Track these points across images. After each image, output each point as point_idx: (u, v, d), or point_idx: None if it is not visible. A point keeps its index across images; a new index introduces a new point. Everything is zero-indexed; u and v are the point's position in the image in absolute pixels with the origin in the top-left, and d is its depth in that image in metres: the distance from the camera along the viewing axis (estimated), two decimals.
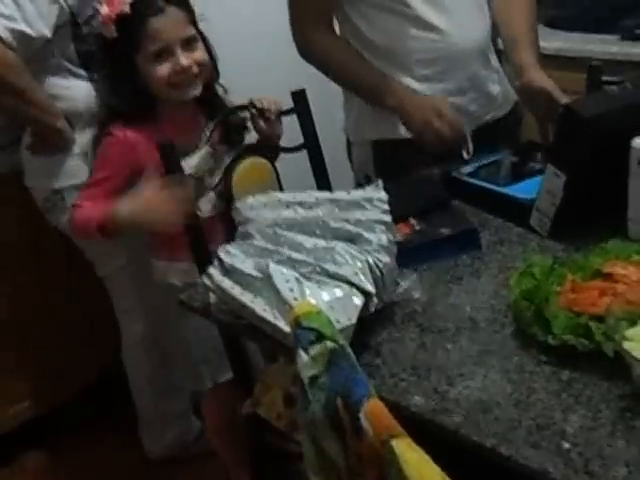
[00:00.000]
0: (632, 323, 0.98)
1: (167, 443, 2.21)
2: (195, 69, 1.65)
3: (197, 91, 1.69)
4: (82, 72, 1.88)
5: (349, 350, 0.87)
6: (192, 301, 1.33)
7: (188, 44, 1.64)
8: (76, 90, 1.88)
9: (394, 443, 0.76)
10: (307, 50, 1.69)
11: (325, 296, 1.07)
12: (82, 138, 1.89)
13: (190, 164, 1.62)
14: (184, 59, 1.62)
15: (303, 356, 0.86)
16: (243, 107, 1.75)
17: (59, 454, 2.30)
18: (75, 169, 1.91)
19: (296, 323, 0.88)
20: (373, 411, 0.78)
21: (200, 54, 1.66)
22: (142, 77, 1.63)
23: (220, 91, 1.80)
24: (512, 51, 1.67)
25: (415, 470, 0.75)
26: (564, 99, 1.50)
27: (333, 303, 1.06)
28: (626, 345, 0.94)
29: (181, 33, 1.62)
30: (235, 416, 1.69)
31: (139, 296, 2.05)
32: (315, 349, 0.85)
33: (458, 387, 1.01)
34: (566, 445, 0.89)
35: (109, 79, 1.68)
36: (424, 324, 1.16)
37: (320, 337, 0.86)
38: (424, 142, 1.60)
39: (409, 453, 0.76)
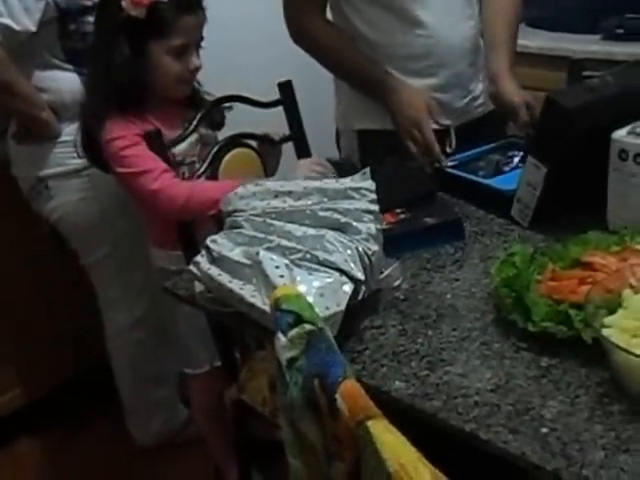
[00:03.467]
0: (611, 311, 0.99)
1: (154, 432, 2.22)
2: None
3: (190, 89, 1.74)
4: (69, 66, 1.89)
5: (328, 332, 0.86)
6: (177, 289, 1.33)
7: (197, 46, 1.69)
8: (63, 82, 1.89)
9: (370, 424, 0.75)
10: (299, 35, 1.69)
11: (315, 282, 1.06)
12: (68, 128, 1.89)
13: (178, 152, 1.65)
14: (197, 60, 1.68)
15: (281, 338, 0.85)
16: (228, 98, 1.77)
17: (53, 440, 2.32)
18: (60, 158, 1.92)
19: (276, 306, 0.88)
20: (349, 391, 0.78)
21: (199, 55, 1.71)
22: (152, 66, 1.63)
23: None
24: (488, 53, 1.69)
25: (391, 452, 0.75)
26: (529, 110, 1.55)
27: (323, 289, 1.05)
28: (605, 332, 0.94)
29: (200, 35, 1.68)
30: (223, 402, 1.69)
31: (123, 285, 2.05)
32: (293, 331, 0.85)
33: (438, 372, 1.02)
34: (544, 430, 0.90)
35: (114, 61, 1.62)
36: (405, 311, 1.16)
37: (298, 320, 0.85)
38: (404, 144, 1.60)
39: (385, 435, 0.76)
